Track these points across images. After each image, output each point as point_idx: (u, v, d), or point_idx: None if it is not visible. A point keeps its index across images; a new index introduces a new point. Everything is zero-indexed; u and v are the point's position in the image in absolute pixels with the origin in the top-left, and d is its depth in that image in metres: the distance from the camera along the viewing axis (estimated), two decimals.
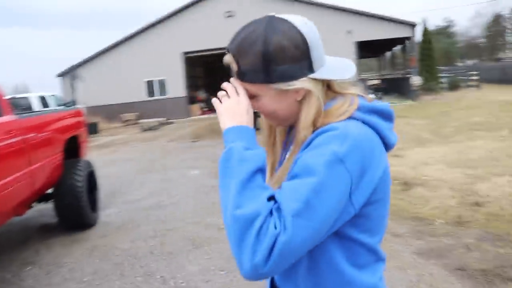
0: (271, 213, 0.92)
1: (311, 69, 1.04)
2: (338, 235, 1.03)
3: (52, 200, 5.37)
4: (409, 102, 20.97)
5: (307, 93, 1.05)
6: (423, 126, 12.11)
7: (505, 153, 7.55)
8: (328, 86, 1.09)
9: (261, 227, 0.90)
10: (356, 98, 1.07)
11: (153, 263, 4.29)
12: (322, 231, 0.95)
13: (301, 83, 1.03)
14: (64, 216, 5.32)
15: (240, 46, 1.04)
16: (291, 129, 1.20)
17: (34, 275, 4.26)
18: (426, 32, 24.32)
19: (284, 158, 1.17)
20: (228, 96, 1.09)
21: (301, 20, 1.05)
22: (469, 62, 69.73)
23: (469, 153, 7.84)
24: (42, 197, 5.37)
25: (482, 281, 3.37)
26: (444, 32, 71.29)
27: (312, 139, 1.00)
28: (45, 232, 5.60)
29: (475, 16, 79.13)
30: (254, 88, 1.07)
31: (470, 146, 8.48)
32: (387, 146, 1.08)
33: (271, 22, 1.03)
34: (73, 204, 5.21)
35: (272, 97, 1.06)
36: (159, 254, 4.51)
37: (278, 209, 0.92)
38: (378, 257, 1.12)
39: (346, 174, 0.94)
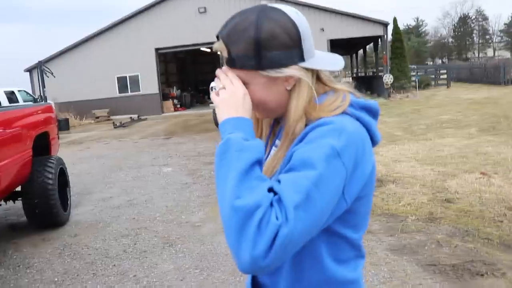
0: (271, 204, 0.90)
1: (301, 58, 1.04)
2: (325, 230, 1.02)
3: (21, 198, 5.22)
4: (381, 100, 21.30)
5: (297, 82, 1.05)
6: (395, 124, 12.32)
7: (473, 150, 7.75)
8: (318, 79, 1.09)
9: (262, 218, 0.87)
10: (348, 94, 1.08)
11: (126, 262, 4.22)
12: (319, 224, 0.94)
13: (292, 71, 1.03)
14: (33, 214, 5.17)
15: (231, 32, 1.03)
16: (275, 123, 1.19)
17: (0, 276, 4.13)
18: (397, 31, 24.68)
19: (269, 152, 1.16)
20: (224, 87, 1.06)
21: (293, 10, 1.05)
22: (439, 61, 71.39)
23: (439, 150, 8.01)
24: (10, 195, 5.21)
25: (452, 276, 3.44)
26: (414, 31, 72.65)
27: (307, 133, 1.00)
28: (13, 231, 5.45)
29: (443, 17, 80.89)
30: (244, 75, 1.05)
31: (440, 143, 8.67)
32: (374, 142, 1.10)
33: (264, 10, 1.03)
34: (43, 203, 5.08)
35: (262, 85, 1.05)
36: (132, 252, 4.44)
37: (279, 201, 0.90)
38: (359, 253, 1.13)
39: (343, 168, 0.95)
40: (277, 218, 0.88)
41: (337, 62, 1.10)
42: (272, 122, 1.21)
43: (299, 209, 0.88)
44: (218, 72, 1.08)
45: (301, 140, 1.00)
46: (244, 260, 0.88)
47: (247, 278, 1.22)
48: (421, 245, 4.08)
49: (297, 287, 1.08)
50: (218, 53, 1.09)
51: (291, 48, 1.02)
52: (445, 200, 5.23)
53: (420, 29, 75.70)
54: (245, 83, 1.06)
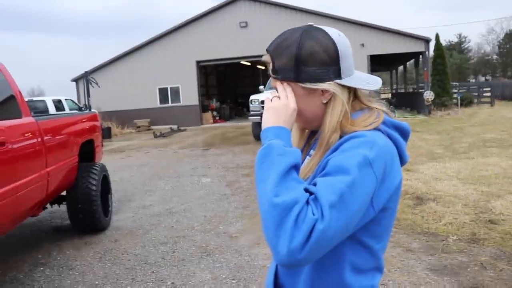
0: (307, 202, 0.96)
1: (338, 76, 1.14)
2: (350, 237, 1.08)
3: (66, 202, 5.41)
4: (421, 117, 20.88)
5: (332, 97, 1.14)
6: (435, 141, 12.04)
7: None
8: (355, 96, 1.19)
9: (299, 213, 0.94)
10: (382, 113, 1.17)
11: (164, 269, 4.30)
12: (350, 227, 1.01)
13: (327, 86, 1.13)
14: (76, 219, 5.35)
15: (277, 47, 1.16)
16: (311, 135, 1.30)
17: (46, 276, 4.28)
18: (439, 47, 24.22)
19: (303, 161, 1.24)
20: (279, 97, 1.16)
21: (335, 32, 1.17)
22: (482, 79, 69.35)
23: (482, 169, 7.77)
24: (56, 199, 5.41)
25: None
26: (457, 47, 71.05)
27: (341, 143, 1.08)
28: (57, 234, 5.64)
29: (487, 33, 78.77)
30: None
31: (484, 162, 8.41)
32: (402, 161, 1.18)
33: (308, 29, 1.15)
34: (87, 208, 5.24)
35: (300, 96, 1.16)
36: (170, 260, 4.51)
37: (315, 199, 0.97)
38: (378, 265, 1.18)
39: (373, 176, 1.02)
40: (313, 214, 0.94)
41: (372, 82, 1.18)
42: (308, 135, 1.31)
43: (334, 208, 0.95)
44: (277, 83, 1.18)
45: (335, 150, 1.08)
46: (281, 253, 0.93)
47: (267, 278, 1.28)
48: (463, 266, 3.96)
49: None
50: (266, 64, 1.21)
51: (328, 65, 1.12)
52: (489, 221, 5.06)
53: (462, 45, 74.04)
54: None
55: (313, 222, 0.93)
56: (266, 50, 1.19)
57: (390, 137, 1.14)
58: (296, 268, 0.99)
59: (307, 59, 1.11)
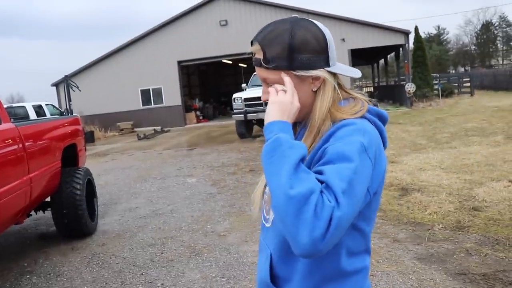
0: (321, 192, 0.98)
1: (327, 63, 1.18)
2: None
3: (50, 208, 5.34)
4: (403, 109, 21.11)
5: (322, 84, 1.18)
6: (418, 132, 12.18)
7: (500, 158, 7.60)
8: (339, 87, 1.22)
9: (317, 202, 0.95)
10: (365, 101, 1.22)
11: (153, 270, 4.27)
12: (356, 212, 1.04)
13: (319, 72, 1.16)
14: (62, 224, 5.28)
15: (267, 37, 1.17)
16: (293, 126, 1.28)
17: (33, 284, 4.22)
18: (418, 40, 24.49)
19: None
20: (285, 91, 1.16)
21: (321, 23, 1.21)
22: (461, 69, 70.34)
23: (465, 158, 7.89)
24: (40, 206, 5.34)
25: (483, 286, 3.38)
26: (436, 39, 71.89)
27: (334, 132, 1.12)
28: (43, 241, 5.56)
29: (465, 24, 79.85)
30: (276, 75, 1.18)
31: (466, 151, 8.53)
32: (384, 147, 1.23)
33: (297, 20, 1.19)
34: (72, 213, 5.19)
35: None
36: (159, 261, 4.49)
37: (327, 187, 0.99)
38: (368, 247, 1.23)
39: (370, 162, 1.07)
40: (329, 201, 0.95)
41: (355, 71, 1.26)
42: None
43: (345, 194, 0.97)
44: (285, 78, 1.17)
45: (329, 137, 1.11)
46: (304, 243, 0.94)
47: (259, 272, 1.28)
48: (450, 253, 4.02)
49: (310, 279, 1.16)
50: (253, 56, 1.22)
51: (319, 54, 1.16)
52: (472, 208, 5.14)
53: (441, 37, 74.94)
54: (275, 83, 1.18)
55: (331, 210, 0.94)
56: (252, 41, 1.20)
57: (375, 124, 1.19)
58: (315, 257, 0.99)
59: (300, 47, 1.14)
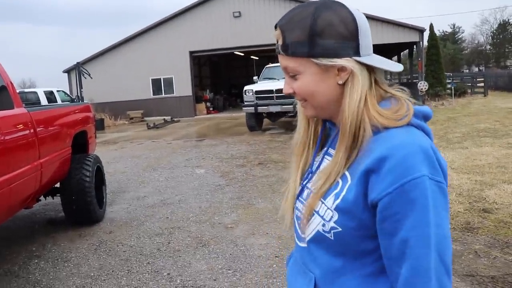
0: None
1: (357, 52, 0.99)
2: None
3: (59, 194, 5.37)
4: None
5: (350, 77, 0.99)
6: None
7: None
8: (376, 83, 1.03)
9: None
10: (410, 103, 1.01)
11: (160, 260, 4.29)
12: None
13: (345, 62, 0.98)
14: (71, 210, 5.31)
15: (290, 21, 1.01)
16: (324, 128, 1.14)
17: (41, 268, 4.26)
18: (433, 37, 24.22)
19: (320, 159, 1.10)
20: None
21: (353, 7, 1.03)
22: (475, 69, 69.59)
23: (476, 159, 7.81)
24: (49, 191, 5.37)
25: None
26: (450, 38, 71.13)
27: (381, 161, 0.91)
28: (52, 226, 5.61)
29: (481, 23, 78.86)
30: (296, 63, 1.01)
31: (477, 152, 8.44)
32: None
33: (325, 2, 1.02)
34: (80, 199, 5.21)
35: (312, 75, 1.01)
36: (166, 251, 4.50)
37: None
38: None
39: (443, 188, 0.95)
40: None
41: (395, 64, 1.04)
42: (320, 132, 1.15)
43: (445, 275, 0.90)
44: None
45: (377, 160, 0.92)
46: None
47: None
48: (458, 255, 3.98)
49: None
50: (275, 42, 1.06)
51: (346, 39, 0.98)
52: (482, 210, 5.09)
53: (456, 36, 74.12)
54: (295, 75, 1.03)
55: None
56: (275, 26, 1.04)
57: (423, 130, 0.99)
58: None
59: (323, 31, 0.97)
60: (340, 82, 1.00)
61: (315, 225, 1.02)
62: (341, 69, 0.99)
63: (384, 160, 0.90)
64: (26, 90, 20.22)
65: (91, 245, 4.81)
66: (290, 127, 13.45)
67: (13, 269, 4.27)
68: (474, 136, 10.64)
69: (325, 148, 1.11)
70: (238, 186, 7.09)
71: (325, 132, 1.14)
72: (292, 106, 13.05)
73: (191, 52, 25.08)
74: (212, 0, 24.71)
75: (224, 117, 23.37)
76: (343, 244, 0.98)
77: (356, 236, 0.97)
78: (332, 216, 0.98)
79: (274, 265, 3.98)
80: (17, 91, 4.68)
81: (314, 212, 1.02)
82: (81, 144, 5.81)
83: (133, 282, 3.84)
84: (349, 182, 0.97)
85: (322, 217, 1.00)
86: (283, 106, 13.66)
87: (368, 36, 1.02)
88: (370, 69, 1.00)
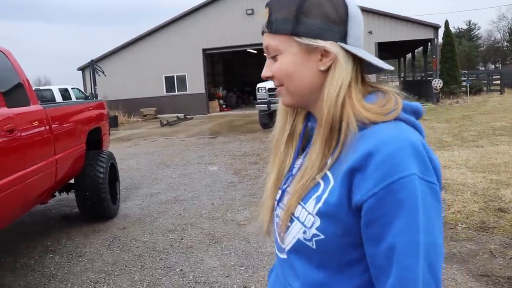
0: None
1: (343, 39, 0.92)
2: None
3: (74, 190, 5.43)
4: (429, 105, 20.73)
5: (333, 64, 0.91)
6: (444, 130, 11.95)
7: None
8: (362, 77, 0.95)
9: None
10: (399, 97, 0.93)
11: (172, 256, 4.31)
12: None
13: (329, 45, 0.90)
14: (85, 206, 5.37)
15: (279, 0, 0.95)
16: (305, 127, 1.05)
17: (56, 263, 4.32)
18: (448, 34, 23.93)
19: (301, 161, 1.01)
20: None
21: None
22: (491, 66, 68.65)
23: (492, 158, 7.71)
24: (64, 187, 5.43)
25: None
26: (466, 35, 70.26)
27: (365, 159, 0.83)
28: (66, 221, 5.67)
29: (498, 19, 77.74)
30: (277, 41, 0.94)
31: (493, 151, 8.33)
32: None
33: None
34: (95, 195, 5.26)
35: (293, 55, 0.93)
36: (179, 247, 4.53)
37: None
38: None
39: (436, 187, 0.89)
40: None
41: (383, 62, 0.97)
42: (303, 127, 1.05)
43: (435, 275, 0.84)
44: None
45: (361, 157, 0.83)
46: None
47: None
48: (473, 254, 3.94)
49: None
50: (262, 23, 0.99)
51: (335, 23, 0.91)
52: (498, 209, 5.03)
53: (472, 32, 73.20)
54: (276, 53, 0.95)
55: None
56: (266, 5, 0.98)
57: (414, 125, 0.91)
58: None
59: (310, 10, 0.90)
60: (322, 68, 0.92)
61: (295, 233, 0.93)
62: (325, 54, 0.92)
63: (369, 156, 0.82)
64: (41, 87, 20.45)
65: (105, 241, 4.85)
66: None
67: (29, 263, 4.33)
68: (490, 134, 10.50)
69: (307, 149, 1.01)
70: (250, 183, 7.10)
71: (306, 134, 1.04)
72: None
73: (204, 50, 25.14)
74: None
75: (237, 114, 23.40)
76: (326, 253, 0.90)
77: (340, 244, 0.88)
78: (313, 222, 0.89)
79: None
80: (33, 88, 4.74)
81: (294, 218, 0.93)
82: (95, 140, 5.86)
83: (146, 278, 3.87)
84: (332, 183, 0.88)
85: (302, 223, 0.91)
86: None
87: (359, 27, 0.95)
88: (357, 62, 0.93)
